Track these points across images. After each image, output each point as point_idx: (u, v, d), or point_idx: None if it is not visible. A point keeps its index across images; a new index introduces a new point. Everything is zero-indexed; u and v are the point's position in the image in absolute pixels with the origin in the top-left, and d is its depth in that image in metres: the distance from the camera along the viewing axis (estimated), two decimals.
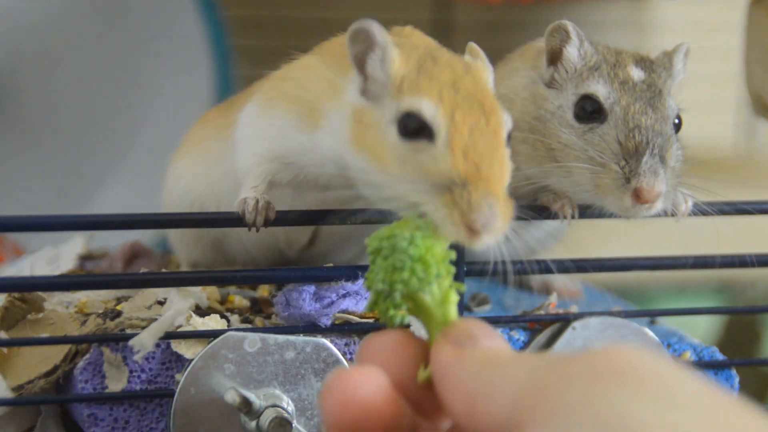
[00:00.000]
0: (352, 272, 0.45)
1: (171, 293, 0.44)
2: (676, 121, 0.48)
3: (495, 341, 0.31)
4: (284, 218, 0.44)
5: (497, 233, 0.36)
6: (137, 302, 0.46)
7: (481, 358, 0.30)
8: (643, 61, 0.48)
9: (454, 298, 0.33)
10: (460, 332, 0.31)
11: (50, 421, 0.45)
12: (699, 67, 0.98)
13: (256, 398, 0.42)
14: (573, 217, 0.47)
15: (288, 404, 0.43)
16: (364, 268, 0.45)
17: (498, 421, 0.27)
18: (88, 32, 0.83)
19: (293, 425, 0.42)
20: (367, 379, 0.29)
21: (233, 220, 0.43)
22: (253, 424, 0.42)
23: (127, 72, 0.86)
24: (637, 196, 0.44)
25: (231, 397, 0.41)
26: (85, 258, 0.60)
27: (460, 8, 0.98)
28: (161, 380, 0.43)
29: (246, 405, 0.41)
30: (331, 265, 0.47)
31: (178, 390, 0.42)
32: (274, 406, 0.42)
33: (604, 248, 0.73)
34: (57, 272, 0.56)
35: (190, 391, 0.42)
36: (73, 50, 0.83)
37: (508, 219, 0.36)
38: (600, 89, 0.47)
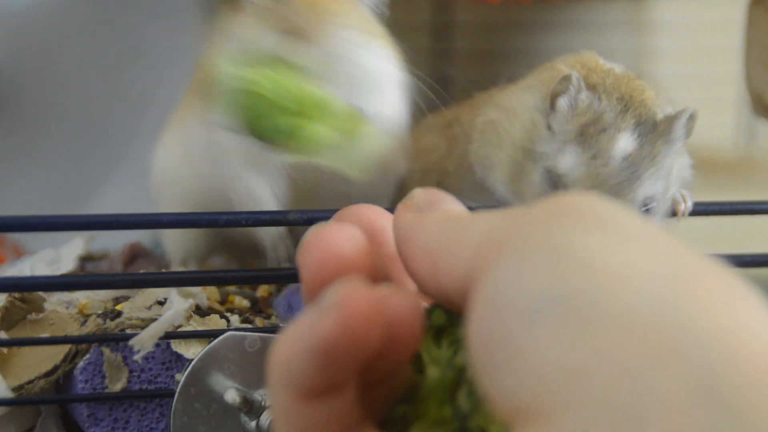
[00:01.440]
0: None
1: (171, 293, 0.44)
2: (651, 205, 0.45)
3: (455, 205, 0.31)
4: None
5: None
6: (137, 302, 0.46)
7: (441, 218, 0.30)
8: (644, 127, 0.45)
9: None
10: (420, 199, 0.32)
11: (50, 421, 0.45)
12: (699, 67, 0.98)
13: (256, 398, 0.42)
14: None
15: None
16: None
17: (460, 276, 0.27)
18: (89, 32, 0.83)
19: None
20: (345, 235, 0.29)
21: (235, 221, 0.43)
22: (253, 423, 0.42)
23: (128, 72, 0.86)
24: None
25: (231, 396, 0.41)
26: (86, 259, 0.60)
27: (460, 8, 0.98)
28: (161, 380, 0.43)
29: (246, 405, 0.41)
30: None
31: (178, 390, 0.42)
32: None
33: None
34: (57, 273, 0.56)
35: (190, 390, 0.42)
36: (73, 50, 0.83)
37: None
38: (568, 160, 0.44)
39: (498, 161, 0.49)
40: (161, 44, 0.84)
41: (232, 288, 0.52)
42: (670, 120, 0.46)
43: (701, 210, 0.48)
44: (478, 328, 0.24)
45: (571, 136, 0.45)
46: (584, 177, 0.43)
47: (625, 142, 0.44)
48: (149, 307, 0.46)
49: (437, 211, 0.31)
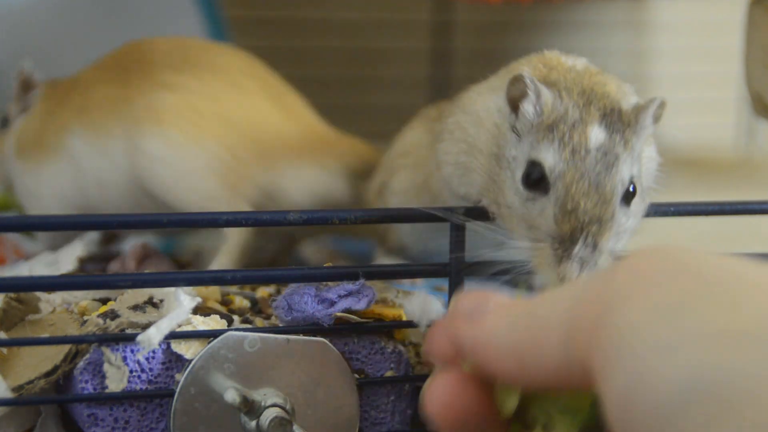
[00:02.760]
0: (353, 272, 0.45)
1: (177, 291, 0.44)
2: (631, 188, 0.45)
3: (498, 297, 0.31)
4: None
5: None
6: (126, 300, 0.46)
7: (502, 316, 0.30)
8: (611, 117, 0.45)
9: None
10: (466, 307, 0.32)
11: (50, 421, 0.45)
12: (699, 68, 0.98)
13: (256, 398, 0.42)
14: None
15: (288, 404, 0.43)
16: (365, 268, 0.45)
17: (554, 366, 0.26)
18: (88, 32, 0.83)
19: (293, 425, 0.42)
20: (450, 392, 0.32)
21: (235, 221, 0.43)
22: (253, 423, 0.42)
23: None
24: (564, 279, 0.43)
25: (231, 396, 0.41)
26: (86, 261, 0.60)
27: (460, 8, 0.98)
28: (161, 380, 0.43)
29: (246, 405, 0.41)
30: (329, 264, 0.47)
31: (178, 390, 0.42)
32: (274, 405, 0.42)
33: None
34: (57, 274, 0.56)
35: (191, 391, 0.42)
36: (73, 50, 0.83)
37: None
38: (548, 158, 0.44)
39: (470, 169, 0.49)
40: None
41: (232, 288, 0.52)
42: (638, 110, 0.46)
43: (701, 210, 0.48)
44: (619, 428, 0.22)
45: (540, 136, 0.45)
46: (568, 172, 0.43)
47: (595, 134, 0.44)
48: (142, 306, 0.45)
49: (491, 311, 0.31)
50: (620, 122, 0.45)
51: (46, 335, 0.45)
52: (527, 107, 0.45)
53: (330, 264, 0.48)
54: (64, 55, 0.83)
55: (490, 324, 0.30)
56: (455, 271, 0.45)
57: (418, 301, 0.45)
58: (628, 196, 0.45)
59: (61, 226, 0.43)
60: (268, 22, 0.94)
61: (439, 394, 0.31)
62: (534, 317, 0.28)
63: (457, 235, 0.44)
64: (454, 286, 0.45)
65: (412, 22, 0.99)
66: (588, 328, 0.24)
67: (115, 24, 0.84)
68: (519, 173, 0.45)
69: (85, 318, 0.46)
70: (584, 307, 0.25)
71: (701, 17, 1.03)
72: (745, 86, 0.65)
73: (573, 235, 0.43)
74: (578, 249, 0.43)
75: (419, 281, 0.57)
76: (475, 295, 0.32)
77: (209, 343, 0.43)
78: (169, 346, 0.43)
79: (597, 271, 0.28)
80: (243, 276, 0.44)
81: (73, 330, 0.45)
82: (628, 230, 0.46)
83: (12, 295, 0.47)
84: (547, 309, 0.27)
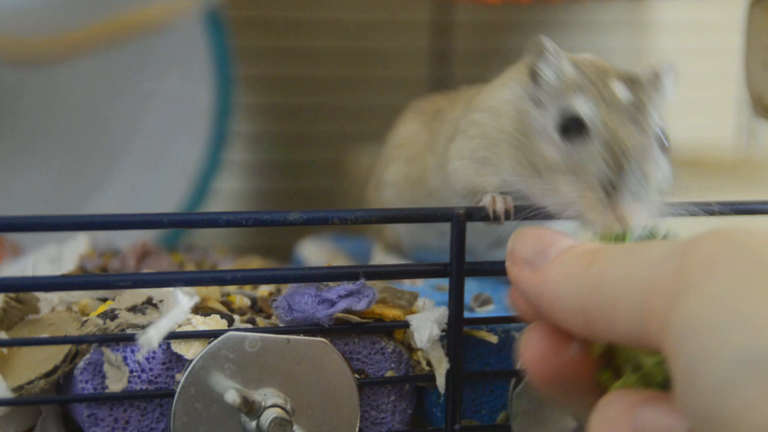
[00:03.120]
0: (353, 272, 0.45)
1: (176, 291, 0.44)
2: (664, 141, 0.46)
3: (561, 241, 0.32)
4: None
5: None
6: (125, 300, 0.46)
7: (566, 272, 0.30)
8: (629, 79, 0.47)
9: None
10: (525, 251, 0.32)
11: (50, 421, 0.45)
12: (699, 67, 0.98)
13: (256, 398, 0.42)
14: (508, 217, 0.47)
15: (288, 404, 0.43)
16: (365, 268, 0.45)
17: (626, 333, 0.27)
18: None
19: (293, 425, 0.42)
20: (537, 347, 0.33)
21: (235, 221, 0.43)
22: (254, 424, 0.42)
23: (127, 72, 0.86)
24: (620, 218, 0.43)
25: (231, 397, 0.41)
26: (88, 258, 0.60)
27: (460, 8, 0.98)
28: (162, 380, 0.43)
29: (246, 405, 0.41)
30: (329, 264, 0.47)
31: (178, 390, 0.42)
32: (274, 406, 0.42)
33: None
34: (59, 272, 0.56)
35: (191, 391, 0.42)
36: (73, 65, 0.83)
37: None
38: (583, 108, 0.45)
39: (490, 161, 0.49)
40: (161, 44, 0.84)
41: (232, 288, 0.52)
42: (658, 73, 0.48)
43: (701, 211, 0.48)
44: (685, 403, 0.24)
45: (568, 93, 0.46)
46: (606, 115, 0.45)
47: (620, 90, 0.46)
48: (141, 307, 0.45)
49: (554, 260, 0.31)
50: (640, 84, 0.47)
51: (46, 335, 0.45)
52: (548, 70, 0.47)
53: (330, 264, 0.48)
54: (63, 71, 0.83)
55: (554, 278, 0.30)
56: (456, 271, 0.45)
57: (422, 318, 0.45)
58: (662, 146, 0.46)
59: (62, 227, 0.43)
60: (268, 22, 0.94)
61: (532, 346, 0.32)
62: (602, 285, 0.28)
63: (458, 234, 0.44)
64: (455, 286, 0.45)
65: (411, 22, 0.99)
66: (661, 310, 0.26)
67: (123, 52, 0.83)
68: (554, 131, 0.46)
69: (85, 318, 0.46)
70: (657, 289, 0.26)
71: (701, 17, 1.03)
72: (745, 86, 0.65)
73: (623, 170, 0.43)
74: (630, 181, 0.43)
75: (419, 281, 0.57)
76: (533, 236, 0.32)
77: (209, 343, 0.43)
78: (169, 346, 0.43)
79: (665, 246, 0.29)
80: (243, 276, 0.44)
81: (73, 330, 0.45)
82: (668, 183, 0.46)
83: (11, 294, 0.47)
84: (617, 276, 0.28)
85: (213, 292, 0.50)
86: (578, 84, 0.46)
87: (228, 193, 0.94)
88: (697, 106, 0.97)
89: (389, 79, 0.98)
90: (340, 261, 0.68)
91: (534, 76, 0.47)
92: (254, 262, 0.68)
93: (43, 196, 0.85)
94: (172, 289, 0.45)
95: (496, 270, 0.47)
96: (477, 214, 0.46)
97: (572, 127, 0.45)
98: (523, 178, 0.47)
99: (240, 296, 0.51)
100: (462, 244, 0.44)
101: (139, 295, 0.47)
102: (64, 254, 0.58)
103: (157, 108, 0.87)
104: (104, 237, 0.66)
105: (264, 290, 0.53)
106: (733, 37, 0.75)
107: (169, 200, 0.84)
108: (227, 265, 0.65)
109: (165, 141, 0.86)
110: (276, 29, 0.94)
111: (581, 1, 0.98)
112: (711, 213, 0.48)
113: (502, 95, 0.50)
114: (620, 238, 0.44)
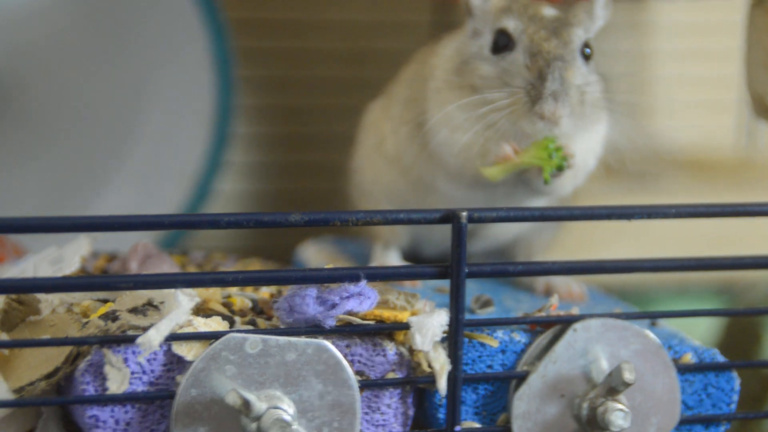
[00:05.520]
0: (355, 274, 0.45)
1: (177, 293, 0.44)
2: (587, 51, 0.52)
3: None
4: None
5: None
6: (125, 302, 0.46)
7: None
8: (556, 5, 0.53)
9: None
10: None
11: (51, 422, 0.45)
12: (699, 68, 0.98)
13: (257, 400, 0.42)
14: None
15: (289, 406, 0.43)
16: (366, 269, 0.45)
17: None
18: (89, 34, 0.83)
19: (294, 427, 0.42)
20: None
21: (236, 222, 0.43)
22: (254, 425, 0.42)
23: (128, 73, 0.86)
24: (542, 118, 0.49)
25: (232, 398, 0.41)
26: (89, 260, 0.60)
27: (460, 8, 0.98)
28: (163, 382, 0.43)
29: (247, 406, 0.41)
30: (331, 266, 0.47)
31: (179, 392, 0.42)
32: (275, 407, 0.42)
33: (605, 250, 0.73)
34: (60, 274, 0.56)
35: (191, 392, 0.42)
36: (74, 52, 0.83)
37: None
38: (510, 23, 0.52)
39: (451, 95, 0.54)
40: (161, 45, 0.84)
41: (233, 289, 0.52)
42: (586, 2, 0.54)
43: (702, 212, 0.48)
44: None
45: (499, 14, 0.53)
46: (528, 27, 0.51)
47: (547, 10, 0.53)
48: (141, 309, 0.45)
49: None
50: (567, 8, 0.53)
51: (47, 336, 0.45)
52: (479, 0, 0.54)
53: (331, 265, 0.48)
54: (65, 57, 0.83)
55: None
56: (456, 273, 0.45)
57: (423, 320, 0.45)
58: (585, 56, 0.52)
59: (63, 228, 0.43)
60: (269, 23, 0.94)
61: None
62: None
63: (459, 235, 0.44)
64: (456, 288, 0.45)
65: (412, 23, 0.99)
66: None
67: (116, 26, 0.83)
68: (487, 50, 0.53)
69: (86, 320, 0.46)
70: None
71: (702, 19, 1.03)
72: (745, 88, 0.65)
73: (542, 74, 0.49)
74: (549, 84, 0.49)
75: (419, 283, 0.57)
76: None
77: (210, 344, 0.43)
78: (170, 348, 0.43)
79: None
80: (244, 277, 0.44)
81: (74, 331, 0.45)
82: (593, 92, 0.52)
83: (13, 296, 0.47)
84: None
85: (214, 293, 0.50)
86: (508, 6, 0.53)
87: (229, 195, 0.94)
88: (697, 107, 0.97)
89: (389, 79, 0.98)
90: (341, 264, 0.68)
91: (469, 9, 0.54)
92: (255, 265, 0.68)
93: (45, 198, 0.85)
94: (173, 290, 0.45)
95: (497, 272, 0.47)
96: (477, 215, 0.46)
97: (502, 43, 0.52)
98: (471, 120, 0.52)
99: (241, 298, 0.51)
100: (463, 246, 0.44)
101: (140, 296, 0.47)
102: (65, 256, 0.58)
103: (158, 109, 0.86)
104: (105, 238, 0.66)
105: (265, 292, 0.53)
106: (733, 39, 0.75)
107: (170, 202, 0.84)
108: (228, 267, 0.65)
109: (166, 142, 0.86)
110: (277, 30, 0.94)
111: (581, 1, 0.98)
112: (711, 215, 0.48)
113: (445, 50, 0.56)
114: (550, 141, 0.51)
